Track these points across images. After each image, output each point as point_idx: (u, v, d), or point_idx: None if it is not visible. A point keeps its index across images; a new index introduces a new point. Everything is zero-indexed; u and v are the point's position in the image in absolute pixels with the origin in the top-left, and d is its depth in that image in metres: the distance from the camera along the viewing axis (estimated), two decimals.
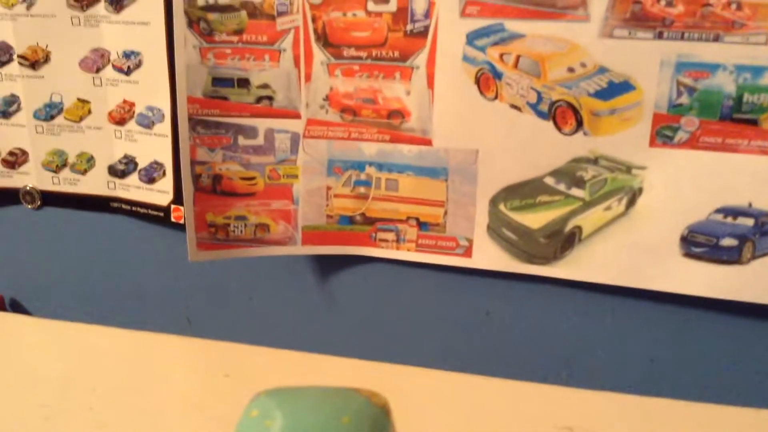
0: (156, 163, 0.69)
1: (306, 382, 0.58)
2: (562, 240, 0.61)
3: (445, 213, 0.64)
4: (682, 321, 0.62)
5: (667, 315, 0.62)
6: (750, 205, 0.56)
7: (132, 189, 0.72)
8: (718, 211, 0.57)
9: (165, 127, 0.68)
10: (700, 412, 0.55)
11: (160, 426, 0.52)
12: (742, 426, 0.54)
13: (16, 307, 0.81)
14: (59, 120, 0.72)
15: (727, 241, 0.57)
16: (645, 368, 0.64)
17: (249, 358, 0.62)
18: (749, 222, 0.56)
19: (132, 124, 0.70)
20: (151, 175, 0.70)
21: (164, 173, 0.69)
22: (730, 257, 0.58)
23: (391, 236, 0.66)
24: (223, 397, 0.57)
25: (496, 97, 0.60)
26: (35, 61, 0.70)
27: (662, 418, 0.54)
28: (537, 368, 0.67)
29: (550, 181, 0.61)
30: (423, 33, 0.60)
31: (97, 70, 0.69)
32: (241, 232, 0.66)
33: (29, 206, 0.76)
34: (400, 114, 0.63)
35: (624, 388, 0.63)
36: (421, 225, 0.65)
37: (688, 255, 0.59)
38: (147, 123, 0.69)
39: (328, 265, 0.70)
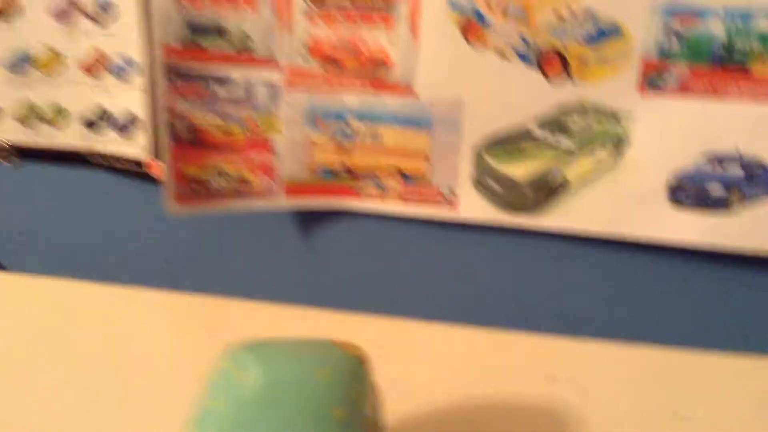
0: (132, 115, 0.67)
1: (287, 334, 0.58)
2: (549, 190, 0.61)
3: (430, 164, 0.63)
4: (668, 270, 0.62)
5: (654, 264, 0.62)
6: (738, 152, 0.56)
7: (108, 142, 0.70)
8: (706, 158, 0.56)
9: (140, 78, 0.65)
10: (686, 359, 0.55)
11: (139, 381, 0.52)
12: (728, 372, 0.54)
13: None
14: (31, 72, 0.69)
15: (715, 189, 0.57)
16: (631, 317, 0.64)
17: (230, 312, 0.62)
18: (737, 170, 0.56)
19: (106, 76, 0.67)
20: (127, 128, 0.68)
21: (140, 126, 0.67)
22: (718, 205, 0.57)
23: (374, 188, 0.65)
24: (203, 351, 0.56)
25: (482, 45, 0.58)
26: (4, 10, 0.67)
27: (648, 366, 0.54)
28: (522, 319, 0.67)
29: (536, 130, 0.60)
30: None
31: (70, 20, 0.67)
32: (221, 185, 0.65)
33: (4, 162, 0.74)
34: (383, 63, 0.61)
35: (610, 337, 0.63)
36: (405, 177, 0.64)
37: (676, 204, 0.58)
38: (122, 74, 0.67)
39: (311, 219, 0.69)
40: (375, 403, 0.35)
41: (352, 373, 0.33)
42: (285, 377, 0.31)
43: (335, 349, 0.35)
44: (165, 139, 0.62)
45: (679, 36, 0.54)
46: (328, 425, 0.29)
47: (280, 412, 0.29)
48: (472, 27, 0.58)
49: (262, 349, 0.34)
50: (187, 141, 0.63)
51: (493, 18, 0.58)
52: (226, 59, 0.62)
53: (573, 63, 0.57)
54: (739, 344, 0.62)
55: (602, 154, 0.59)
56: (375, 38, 0.61)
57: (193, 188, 0.64)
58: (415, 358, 0.55)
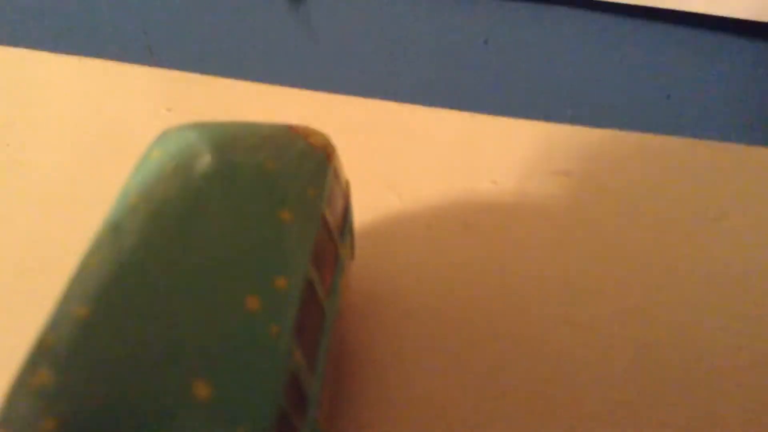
0: None
1: (266, 118, 0.51)
2: None
3: None
4: (705, 50, 0.53)
5: (690, 43, 0.53)
6: None
7: None
8: None
9: None
10: (718, 151, 0.49)
11: (84, 160, 0.46)
12: (762, 164, 0.47)
13: None
14: None
15: None
16: (660, 105, 0.57)
17: (204, 90, 0.55)
18: None
19: None
20: None
21: None
22: None
23: None
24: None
25: None
26: None
27: (675, 157, 0.48)
28: (538, 106, 0.60)
29: None
30: None
31: None
32: None
33: None
34: None
35: (635, 126, 0.56)
36: None
37: None
38: None
39: None
40: (339, 204, 0.29)
41: (311, 168, 0.27)
42: (217, 169, 0.25)
43: (296, 138, 0.28)
44: None
45: None
46: (269, 229, 0.24)
47: (208, 211, 0.24)
48: None
49: (198, 132, 0.27)
50: None
51: None
52: None
53: None
54: None
55: None
56: None
57: None
58: (417, 146, 0.48)
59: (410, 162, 0.46)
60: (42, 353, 0.20)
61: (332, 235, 0.28)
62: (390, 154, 0.47)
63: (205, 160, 0.26)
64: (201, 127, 0.28)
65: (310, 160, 0.27)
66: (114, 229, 0.23)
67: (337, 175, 0.29)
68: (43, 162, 0.46)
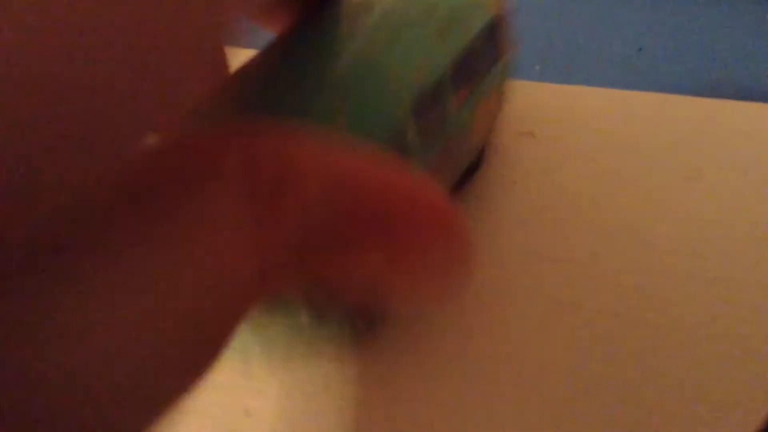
0: None
1: None
2: None
3: None
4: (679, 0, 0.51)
5: None
6: None
7: None
8: None
9: None
10: (693, 106, 0.46)
11: None
12: (737, 120, 0.45)
13: None
14: None
15: None
16: (632, 58, 0.54)
17: None
18: None
19: None
20: None
21: None
22: None
23: None
24: None
25: None
26: None
27: (647, 113, 0.45)
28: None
29: None
30: None
31: None
32: None
33: None
34: None
35: (606, 81, 0.53)
36: None
37: None
38: None
39: None
40: (490, 51, 0.33)
41: (472, 12, 0.31)
42: None
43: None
44: None
45: None
46: (423, 40, 0.28)
47: (382, 16, 0.28)
48: None
49: None
50: None
51: None
52: None
53: None
54: (757, 91, 0.52)
55: None
56: None
57: None
58: None
59: None
60: None
61: (474, 68, 0.32)
62: None
63: None
64: None
65: (475, 7, 0.32)
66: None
67: (495, 29, 0.33)
68: None
